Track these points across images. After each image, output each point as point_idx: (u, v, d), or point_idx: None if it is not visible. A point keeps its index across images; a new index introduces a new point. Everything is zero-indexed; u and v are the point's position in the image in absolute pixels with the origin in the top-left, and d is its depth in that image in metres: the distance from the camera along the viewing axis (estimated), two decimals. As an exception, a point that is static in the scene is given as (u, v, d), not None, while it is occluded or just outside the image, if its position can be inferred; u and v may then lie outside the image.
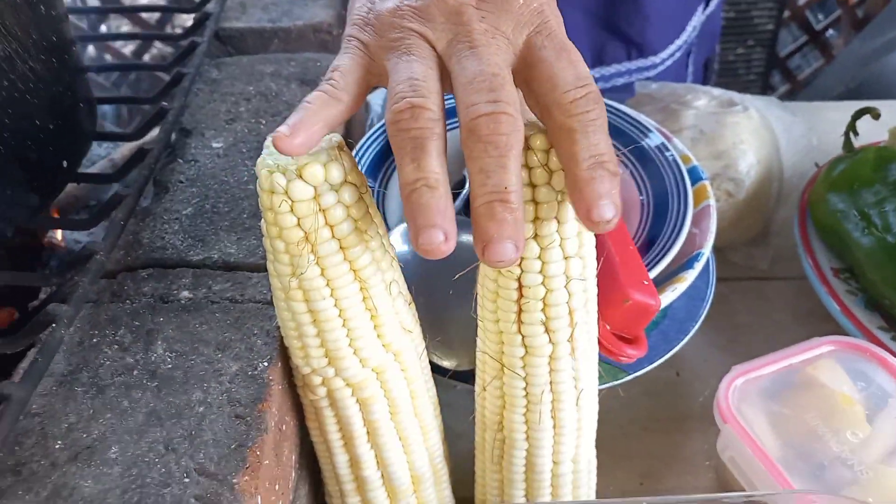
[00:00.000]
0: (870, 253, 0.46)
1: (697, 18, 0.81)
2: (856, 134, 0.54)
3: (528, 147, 0.27)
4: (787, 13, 1.75)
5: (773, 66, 1.83)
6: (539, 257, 0.29)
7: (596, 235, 0.37)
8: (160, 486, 0.27)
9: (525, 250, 0.28)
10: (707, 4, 0.83)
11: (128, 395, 0.30)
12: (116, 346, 0.32)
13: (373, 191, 0.49)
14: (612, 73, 0.78)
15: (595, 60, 0.77)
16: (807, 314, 0.51)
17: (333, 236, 0.27)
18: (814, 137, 0.60)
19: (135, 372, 0.31)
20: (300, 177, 0.26)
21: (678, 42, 0.79)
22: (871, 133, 0.55)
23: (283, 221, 0.27)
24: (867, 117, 0.54)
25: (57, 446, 0.28)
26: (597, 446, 0.36)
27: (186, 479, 0.27)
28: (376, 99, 0.71)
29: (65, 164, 0.38)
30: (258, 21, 0.56)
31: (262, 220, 0.28)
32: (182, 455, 0.28)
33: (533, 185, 0.28)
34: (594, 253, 0.30)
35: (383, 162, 0.52)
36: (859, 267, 0.47)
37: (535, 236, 0.28)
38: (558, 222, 0.28)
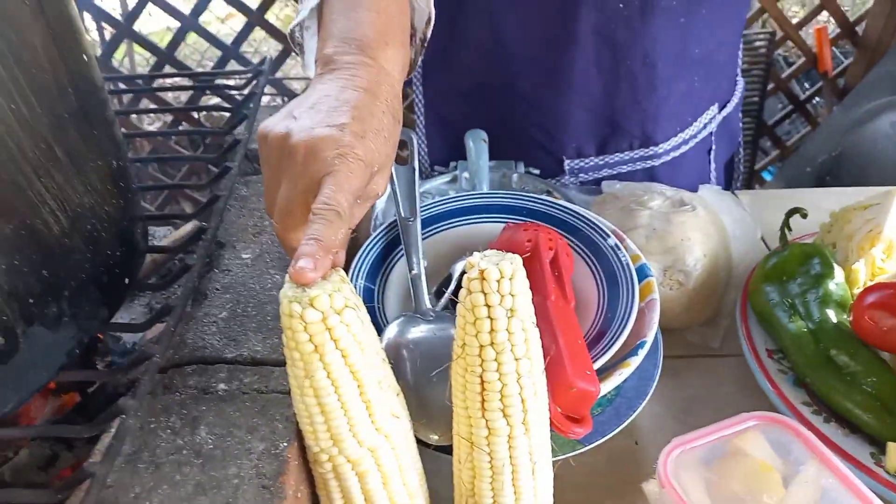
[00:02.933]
0: (794, 337, 0.54)
1: (709, 117, 0.88)
2: (790, 229, 0.63)
3: (483, 278, 0.37)
4: (771, 85, 1.86)
5: (762, 134, 1.93)
6: (495, 359, 0.37)
7: (548, 332, 0.47)
8: (205, 542, 0.35)
9: (484, 354, 0.37)
10: (724, 107, 0.91)
11: (179, 470, 0.39)
12: (169, 430, 0.41)
13: (374, 288, 0.59)
14: (617, 162, 0.87)
15: (599, 150, 0.85)
16: (750, 387, 0.58)
17: (337, 347, 0.36)
18: (759, 230, 0.69)
19: (184, 451, 0.40)
20: (312, 305, 0.36)
21: (682, 135, 0.86)
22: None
23: (298, 338, 0.36)
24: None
25: (126, 512, 0.37)
26: (562, 508, 0.44)
27: (225, 537, 0.36)
28: (379, 202, 0.81)
29: (126, 280, 0.48)
30: (280, 142, 0.67)
31: (283, 335, 0.37)
32: (222, 518, 0.36)
33: (488, 306, 0.37)
34: (541, 353, 0.39)
35: (384, 261, 0.61)
36: (787, 349, 0.55)
37: (492, 343, 0.37)
38: (508, 332, 0.37)
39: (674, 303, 0.61)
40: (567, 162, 0.86)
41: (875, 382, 0.50)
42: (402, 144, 0.71)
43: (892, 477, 0.47)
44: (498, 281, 0.37)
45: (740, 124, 1.01)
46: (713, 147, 0.91)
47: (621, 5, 0.72)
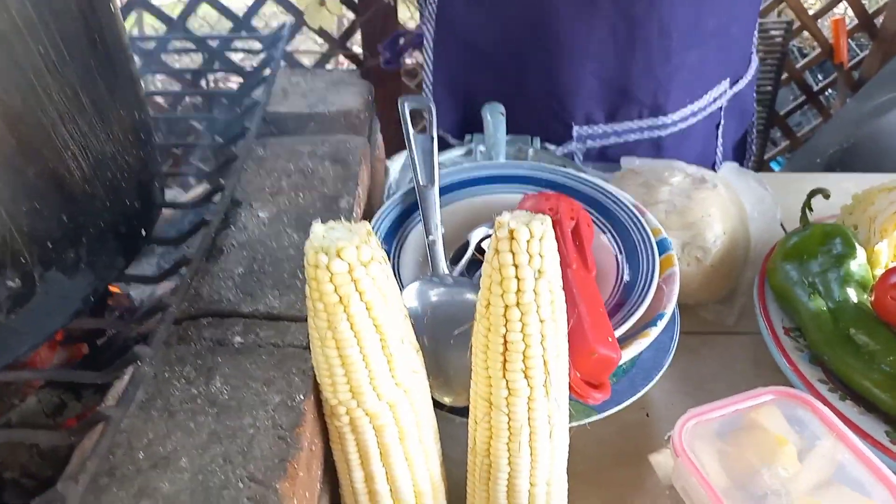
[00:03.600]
0: (813, 316, 0.53)
1: (720, 91, 0.88)
2: (811, 210, 0.62)
3: (512, 237, 0.36)
4: (785, 75, 1.85)
5: (774, 124, 1.92)
6: (520, 319, 0.37)
7: (570, 299, 0.46)
8: (220, 488, 0.35)
9: (509, 314, 0.37)
10: (736, 82, 0.91)
11: (193, 418, 0.38)
12: (184, 380, 0.41)
13: (390, 253, 0.58)
14: (625, 130, 0.86)
15: (608, 118, 0.85)
16: (764, 365, 0.58)
17: (362, 300, 0.36)
18: (779, 210, 0.68)
19: (198, 401, 0.39)
20: (339, 256, 0.35)
21: (692, 107, 0.86)
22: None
23: (324, 288, 0.35)
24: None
25: (140, 456, 0.37)
26: (572, 475, 0.43)
27: (241, 485, 0.35)
28: (395, 165, 0.80)
29: (143, 232, 0.47)
30: (298, 107, 0.66)
31: (307, 285, 0.36)
32: (237, 466, 0.36)
33: (516, 266, 0.36)
34: (565, 316, 0.39)
35: (400, 226, 0.61)
36: (805, 327, 0.54)
37: (518, 304, 0.37)
38: (535, 293, 0.36)
39: (691, 279, 0.61)
40: (576, 128, 0.85)
41: (893, 362, 0.49)
42: (420, 113, 0.70)
43: (908, 454, 0.47)
44: (528, 241, 0.36)
45: (754, 104, 1.00)
46: (721, 122, 0.91)
47: None
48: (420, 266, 0.57)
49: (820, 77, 2.12)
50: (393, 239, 0.60)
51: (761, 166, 1.93)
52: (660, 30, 0.76)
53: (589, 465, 0.51)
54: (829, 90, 1.99)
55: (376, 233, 0.59)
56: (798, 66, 1.89)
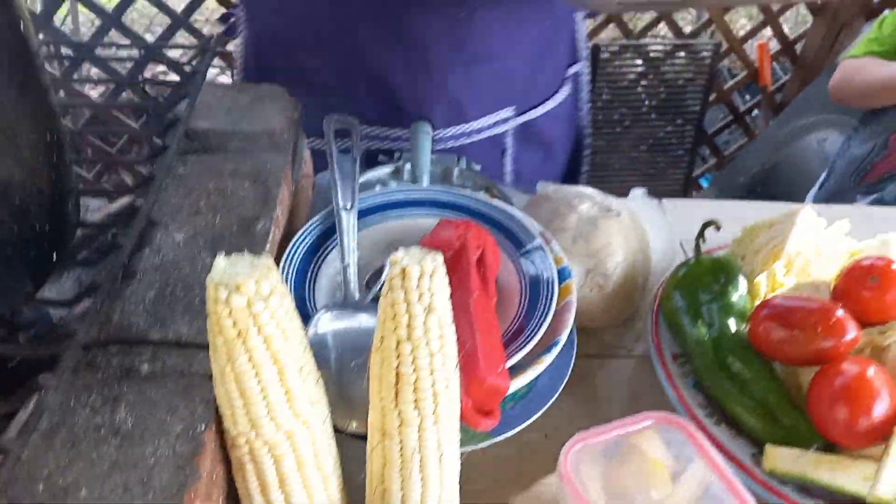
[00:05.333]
0: (696, 344, 0.58)
1: (500, 117, 0.91)
2: (704, 240, 0.67)
3: (404, 275, 0.39)
4: (713, 95, 1.94)
5: (701, 143, 2.01)
6: (411, 353, 0.40)
7: (467, 327, 0.49)
8: (118, 518, 0.37)
9: (400, 349, 0.39)
10: (525, 113, 0.94)
11: (96, 448, 0.40)
12: (89, 409, 0.42)
13: (307, 275, 0.60)
14: (397, 137, 0.89)
15: (381, 122, 0.88)
16: (655, 389, 0.62)
17: (260, 334, 0.38)
18: (677, 239, 0.73)
19: (102, 430, 0.41)
20: (238, 290, 0.37)
21: (462, 128, 0.90)
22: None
23: (223, 323, 0.37)
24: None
25: (40, 488, 0.38)
26: (471, 496, 0.46)
27: (138, 514, 0.37)
28: (321, 181, 0.82)
29: (54, 255, 0.48)
30: (221, 123, 0.67)
31: (208, 319, 0.38)
32: (136, 496, 0.38)
33: (407, 303, 0.39)
34: (455, 349, 0.42)
35: (319, 248, 0.63)
36: (690, 354, 0.59)
37: (409, 338, 0.39)
38: (425, 328, 0.39)
39: (594, 304, 0.65)
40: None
41: (763, 389, 0.54)
42: (346, 132, 0.72)
43: (766, 476, 0.51)
44: (418, 279, 0.39)
45: (584, 130, 1.06)
46: (509, 148, 0.95)
47: None
48: (335, 290, 0.59)
49: (748, 97, 2.23)
50: (311, 261, 0.62)
51: (689, 182, 2.02)
52: (421, 44, 0.80)
53: (488, 486, 0.54)
54: (755, 111, 2.10)
55: (294, 254, 0.61)
56: (726, 86, 1.99)
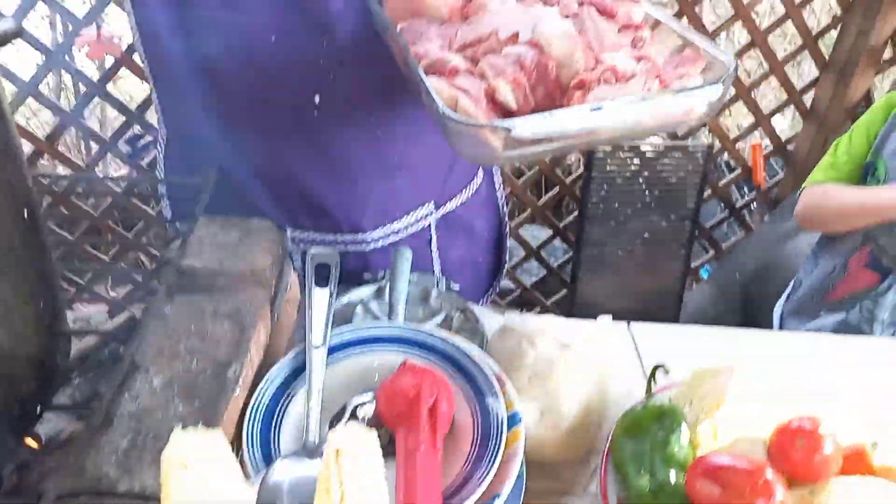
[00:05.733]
0: (637, 494, 0.61)
1: (423, 212, 1.00)
2: (655, 383, 0.71)
3: (338, 454, 0.43)
4: (708, 191, 1.99)
5: (698, 237, 2.05)
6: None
7: (410, 481, 0.53)
8: None
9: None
10: (444, 205, 1.03)
11: None
12: (53, 562, 0.46)
13: (273, 416, 0.64)
14: (330, 241, 0.97)
15: (314, 227, 0.96)
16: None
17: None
18: (642, 368, 0.76)
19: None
20: (184, 468, 0.42)
21: (392, 227, 0.98)
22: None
23: (167, 492, 0.42)
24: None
25: None
26: None
27: None
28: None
29: (38, 408, 0.53)
30: (210, 261, 0.73)
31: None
32: None
33: (340, 480, 0.43)
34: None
35: (289, 385, 0.67)
36: (633, 501, 0.62)
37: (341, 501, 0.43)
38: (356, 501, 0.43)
39: (548, 442, 0.68)
40: (288, 230, 0.96)
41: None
42: (325, 267, 0.78)
43: None
44: (352, 458, 0.43)
45: (498, 215, 1.15)
46: (432, 237, 1.03)
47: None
48: (302, 429, 0.63)
49: (746, 189, 2.28)
50: (282, 395, 0.66)
51: (687, 273, 2.04)
52: (346, 160, 0.89)
53: None
54: (753, 205, 2.15)
55: (264, 395, 0.65)
56: (721, 183, 2.05)
